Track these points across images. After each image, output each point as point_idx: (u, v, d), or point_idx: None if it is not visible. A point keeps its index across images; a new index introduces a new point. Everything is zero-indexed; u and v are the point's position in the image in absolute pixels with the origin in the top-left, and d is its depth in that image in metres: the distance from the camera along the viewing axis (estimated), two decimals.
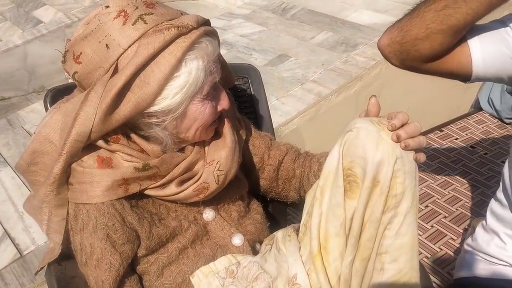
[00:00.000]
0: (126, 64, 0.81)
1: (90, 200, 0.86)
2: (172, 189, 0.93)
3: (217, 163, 0.96)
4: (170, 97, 0.85)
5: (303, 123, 2.17)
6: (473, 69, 1.00)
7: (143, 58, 0.80)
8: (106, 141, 0.88)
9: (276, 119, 2.14)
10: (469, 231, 1.43)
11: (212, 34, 0.90)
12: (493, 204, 1.24)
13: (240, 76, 1.33)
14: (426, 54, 1.00)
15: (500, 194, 1.21)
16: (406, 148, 0.80)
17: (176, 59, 0.82)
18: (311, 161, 1.12)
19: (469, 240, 1.31)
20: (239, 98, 1.31)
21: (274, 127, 2.09)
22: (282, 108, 2.18)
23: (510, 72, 1.00)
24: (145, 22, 0.82)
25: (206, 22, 0.90)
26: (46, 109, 1.12)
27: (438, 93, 2.57)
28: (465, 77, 1.03)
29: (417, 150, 0.83)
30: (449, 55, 1.01)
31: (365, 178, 0.80)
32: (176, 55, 0.82)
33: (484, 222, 1.27)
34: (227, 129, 1.01)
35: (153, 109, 0.86)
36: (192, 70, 0.85)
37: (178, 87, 0.85)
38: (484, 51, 0.99)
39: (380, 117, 0.86)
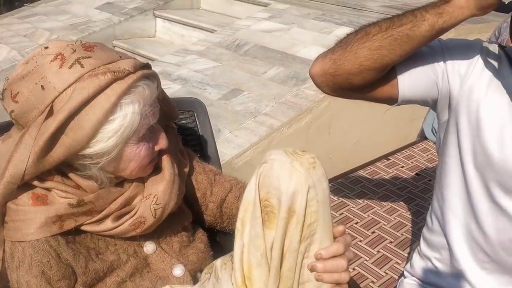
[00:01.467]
0: (61, 108, 0.82)
1: (25, 237, 0.86)
2: (107, 224, 0.93)
3: (154, 197, 0.97)
4: (104, 140, 0.86)
5: (256, 155, 2.22)
6: (400, 94, 1.06)
7: (77, 103, 0.81)
8: (41, 180, 0.88)
9: (230, 151, 2.18)
10: (409, 257, 1.48)
11: (151, 77, 0.91)
12: (424, 229, 1.27)
13: (186, 109, 1.36)
14: (358, 86, 1.04)
15: (428, 218, 1.25)
16: (318, 279, 0.82)
17: (110, 103, 0.83)
18: None
19: (407, 266, 1.34)
20: (184, 131, 1.34)
21: (227, 159, 2.15)
22: (235, 140, 2.23)
23: (435, 96, 1.06)
24: (81, 66, 0.83)
25: (145, 66, 0.92)
26: None
27: (386, 123, 2.68)
28: (393, 101, 1.08)
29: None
30: (379, 83, 1.05)
31: (281, 209, 0.81)
32: (111, 99, 0.83)
33: (419, 248, 1.29)
34: (166, 162, 1.01)
35: (87, 151, 0.86)
36: (128, 114, 0.86)
37: (113, 131, 0.86)
38: (410, 76, 1.04)
39: (295, 148, 0.89)
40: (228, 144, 2.22)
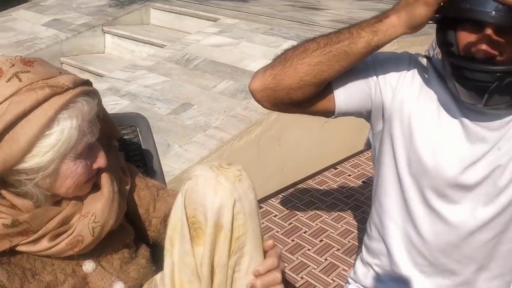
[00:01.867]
0: None
1: None
2: (44, 244, 0.91)
3: (92, 215, 0.96)
4: (40, 155, 0.85)
5: None
6: (336, 107, 1.09)
7: (12, 116, 0.80)
8: None
9: (179, 166, 2.18)
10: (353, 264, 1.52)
11: (91, 93, 0.91)
12: (365, 237, 1.31)
13: (128, 125, 1.36)
14: (297, 100, 1.07)
15: (368, 226, 1.28)
16: None
17: (47, 117, 0.82)
18: None
19: (351, 273, 1.36)
20: (127, 146, 1.33)
21: (177, 174, 2.14)
22: (185, 155, 2.23)
23: (369, 108, 1.11)
24: (19, 80, 0.83)
25: (85, 83, 0.92)
26: None
27: (335, 134, 2.75)
28: (330, 114, 1.12)
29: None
30: (317, 98, 1.09)
31: (208, 224, 0.82)
32: (48, 113, 0.82)
33: (361, 254, 1.33)
34: (105, 180, 1.00)
35: (22, 166, 0.85)
36: (65, 129, 0.85)
37: (49, 146, 0.85)
38: (346, 91, 1.08)
39: (220, 162, 0.89)
40: (178, 158, 2.22)
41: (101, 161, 0.95)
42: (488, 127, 1.03)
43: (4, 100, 0.81)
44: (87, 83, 0.92)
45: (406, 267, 1.18)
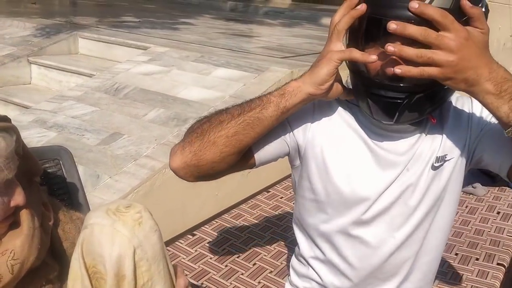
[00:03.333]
0: None
1: None
2: None
3: (11, 252, 0.94)
4: None
5: (138, 199, 2.19)
6: (257, 162, 1.13)
7: None
8: None
9: (110, 197, 2.14)
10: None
11: (8, 130, 0.90)
12: (293, 260, 1.33)
13: (51, 158, 1.33)
14: (222, 170, 1.08)
15: (296, 249, 1.30)
16: None
17: None
18: None
19: None
20: (50, 180, 1.30)
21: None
22: (116, 185, 2.19)
23: (286, 151, 1.15)
24: None
25: (2, 119, 0.91)
26: None
27: None
28: (252, 167, 1.15)
29: None
30: (239, 162, 1.10)
31: (108, 276, 0.80)
32: None
33: (289, 277, 1.35)
34: (24, 216, 0.98)
35: None
36: None
37: None
38: (264, 147, 1.12)
39: (118, 204, 0.87)
40: (108, 189, 2.18)
41: (19, 198, 0.93)
42: (397, 152, 1.09)
43: None
44: (5, 119, 0.92)
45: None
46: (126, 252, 0.80)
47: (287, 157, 1.20)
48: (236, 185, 2.68)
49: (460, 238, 2.25)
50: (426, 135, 1.09)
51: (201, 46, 3.79)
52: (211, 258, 1.96)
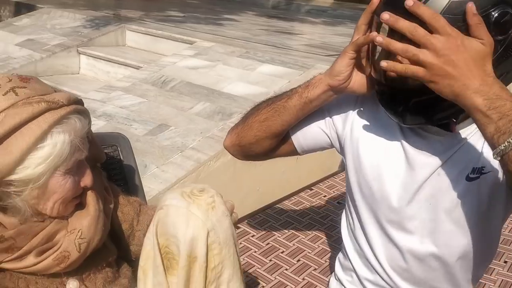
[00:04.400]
0: None
1: None
2: (30, 260, 0.91)
3: (78, 232, 0.97)
4: (32, 167, 0.86)
5: None
6: (298, 149, 1.22)
7: (8, 127, 0.82)
8: None
9: (157, 186, 2.17)
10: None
11: (83, 113, 0.94)
12: (340, 254, 1.35)
13: (110, 144, 1.37)
14: (260, 152, 1.22)
15: (342, 244, 1.31)
16: None
17: (41, 130, 0.84)
18: None
19: None
20: (108, 165, 1.34)
21: (154, 194, 2.14)
22: (162, 175, 2.23)
23: (328, 141, 1.21)
24: (16, 94, 0.85)
25: (79, 102, 0.95)
26: None
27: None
28: (296, 154, 1.25)
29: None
30: (278, 147, 1.22)
31: (181, 257, 0.81)
32: (42, 126, 0.85)
33: (335, 271, 1.36)
34: (91, 198, 1.02)
35: (12, 177, 0.86)
36: (58, 143, 0.87)
37: (41, 158, 0.86)
38: (302, 133, 1.20)
39: (192, 188, 0.89)
40: (155, 179, 2.22)
41: (88, 179, 0.97)
42: (428, 153, 1.06)
43: (2, 111, 0.84)
44: (80, 102, 0.95)
45: (370, 285, 1.21)
46: (200, 234, 0.81)
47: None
48: (277, 181, 2.69)
49: (509, 246, 2.18)
50: (466, 142, 1.04)
51: (246, 42, 3.80)
52: (255, 252, 1.97)
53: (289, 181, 2.73)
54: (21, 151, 0.84)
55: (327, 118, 1.19)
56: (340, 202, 2.54)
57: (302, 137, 1.21)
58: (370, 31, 0.98)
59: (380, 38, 0.87)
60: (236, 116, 2.64)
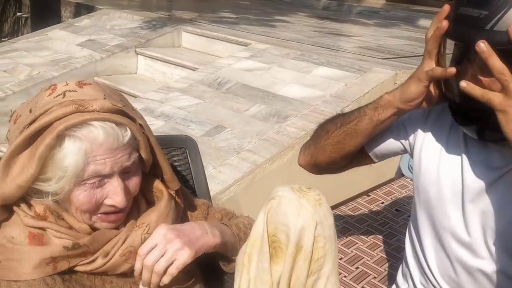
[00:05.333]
0: (29, 127, 0.86)
1: (18, 277, 0.86)
2: (98, 262, 0.93)
3: (146, 226, 0.97)
4: (49, 168, 0.87)
5: (239, 191, 2.24)
6: (373, 159, 1.26)
7: (39, 124, 0.85)
8: (35, 219, 0.90)
9: (214, 187, 2.20)
10: None
11: (119, 124, 0.89)
12: (403, 262, 1.33)
13: (178, 146, 1.40)
14: (335, 169, 1.28)
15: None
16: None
17: (57, 130, 0.84)
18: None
19: None
20: (177, 167, 1.37)
21: (211, 195, 2.16)
22: (219, 176, 2.26)
23: (402, 148, 1.22)
24: (63, 97, 0.88)
25: (117, 112, 0.90)
26: None
27: None
28: (371, 162, 1.29)
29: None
30: (354, 159, 1.26)
31: (289, 244, 0.85)
32: (59, 127, 0.84)
33: (396, 280, 1.35)
34: (165, 195, 1.03)
35: (42, 178, 0.88)
36: (69, 148, 0.86)
37: (54, 163, 0.86)
38: (378, 146, 1.23)
39: (300, 185, 0.93)
40: (212, 180, 2.24)
41: (118, 199, 0.91)
42: (488, 165, 1.04)
43: (44, 112, 0.87)
44: (120, 112, 0.91)
45: None
46: (309, 225, 0.85)
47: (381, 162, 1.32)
48: (331, 186, 2.66)
49: None
50: None
51: (300, 44, 3.79)
52: None
53: (344, 186, 2.70)
54: (44, 147, 0.85)
55: (400, 127, 1.20)
56: (398, 210, 2.49)
57: (377, 148, 1.23)
58: (439, 56, 0.99)
59: (463, 83, 0.89)
60: (291, 119, 2.63)
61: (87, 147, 0.86)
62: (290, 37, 4.11)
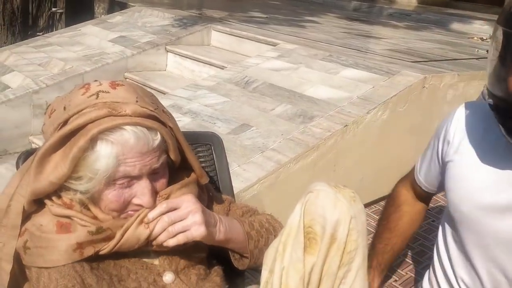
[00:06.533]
0: (63, 128, 0.90)
1: (47, 264, 0.91)
2: (117, 236, 0.95)
3: (166, 194, 1.01)
4: (82, 167, 0.91)
5: (263, 189, 2.26)
6: (432, 193, 1.36)
7: (72, 126, 0.89)
8: (62, 208, 0.95)
9: (238, 185, 2.22)
10: None
11: (149, 128, 0.93)
12: (430, 267, 1.34)
13: (204, 143, 1.43)
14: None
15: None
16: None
17: (91, 133, 0.88)
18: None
19: None
20: (202, 163, 1.40)
21: (235, 192, 2.19)
22: (244, 174, 2.28)
23: (439, 172, 1.24)
24: (96, 98, 0.91)
25: (149, 116, 0.93)
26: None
27: (390, 163, 2.74)
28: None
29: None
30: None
31: (324, 235, 0.89)
32: (93, 130, 0.88)
33: (421, 285, 1.36)
34: (192, 188, 1.07)
35: (75, 175, 0.92)
36: (101, 152, 0.89)
37: (85, 164, 0.91)
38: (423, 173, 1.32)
39: (336, 182, 0.99)
40: (237, 177, 2.27)
41: (145, 199, 0.96)
42: None
43: (77, 112, 0.91)
44: (151, 117, 0.93)
45: None
46: (345, 218, 0.89)
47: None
48: (355, 187, 2.65)
49: None
50: None
51: (329, 45, 3.78)
52: None
53: (368, 188, 2.69)
54: (77, 150, 0.89)
55: (437, 151, 1.24)
56: None
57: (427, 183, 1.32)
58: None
59: None
60: (317, 119, 2.64)
61: (118, 151, 0.90)
62: (318, 38, 4.11)
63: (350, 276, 0.91)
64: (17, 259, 0.95)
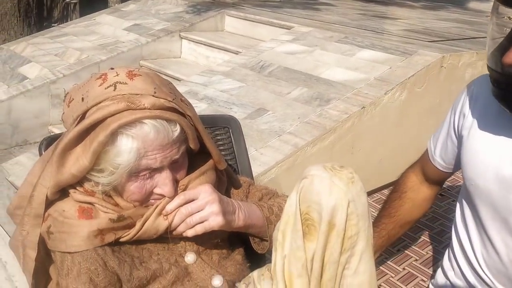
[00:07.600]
0: (82, 121, 0.90)
1: (69, 249, 0.92)
2: (137, 226, 0.97)
3: (184, 185, 1.02)
4: (102, 160, 0.92)
5: (280, 173, 2.26)
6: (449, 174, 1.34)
7: (92, 120, 0.89)
8: (84, 195, 0.96)
9: (255, 169, 2.22)
10: (434, 274, 1.52)
11: (168, 120, 0.93)
12: (449, 247, 1.34)
13: (222, 126, 1.44)
14: None
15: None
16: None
17: (111, 128, 0.88)
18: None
19: (433, 282, 1.40)
20: (220, 146, 1.41)
21: (254, 176, 2.20)
22: (261, 158, 2.28)
23: (456, 147, 1.24)
24: (114, 89, 0.90)
25: (168, 109, 0.93)
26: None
27: (409, 144, 2.71)
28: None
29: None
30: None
31: (322, 222, 0.86)
32: (113, 125, 0.88)
33: (442, 265, 1.36)
34: (210, 176, 1.07)
35: (97, 167, 0.93)
36: (122, 147, 0.90)
37: (106, 158, 0.91)
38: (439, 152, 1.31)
39: (333, 163, 0.94)
40: (254, 161, 2.27)
41: (166, 189, 0.97)
42: None
43: (96, 104, 0.90)
44: (170, 109, 0.93)
45: (486, 277, 1.18)
46: (342, 203, 0.85)
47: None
48: (373, 170, 2.64)
49: None
50: None
51: (344, 27, 3.74)
52: None
53: (386, 170, 2.67)
54: (97, 143, 0.89)
55: (453, 127, 1.25)
56: (442, 194, 2.45)
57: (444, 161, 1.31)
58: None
59: None
60: (333, 102, 2.62)
61: (139, 145, 0.91)
62: (333, 20, 4.06)
63: (353, 261, 0.89)
64: (43, 243, 0.97)
